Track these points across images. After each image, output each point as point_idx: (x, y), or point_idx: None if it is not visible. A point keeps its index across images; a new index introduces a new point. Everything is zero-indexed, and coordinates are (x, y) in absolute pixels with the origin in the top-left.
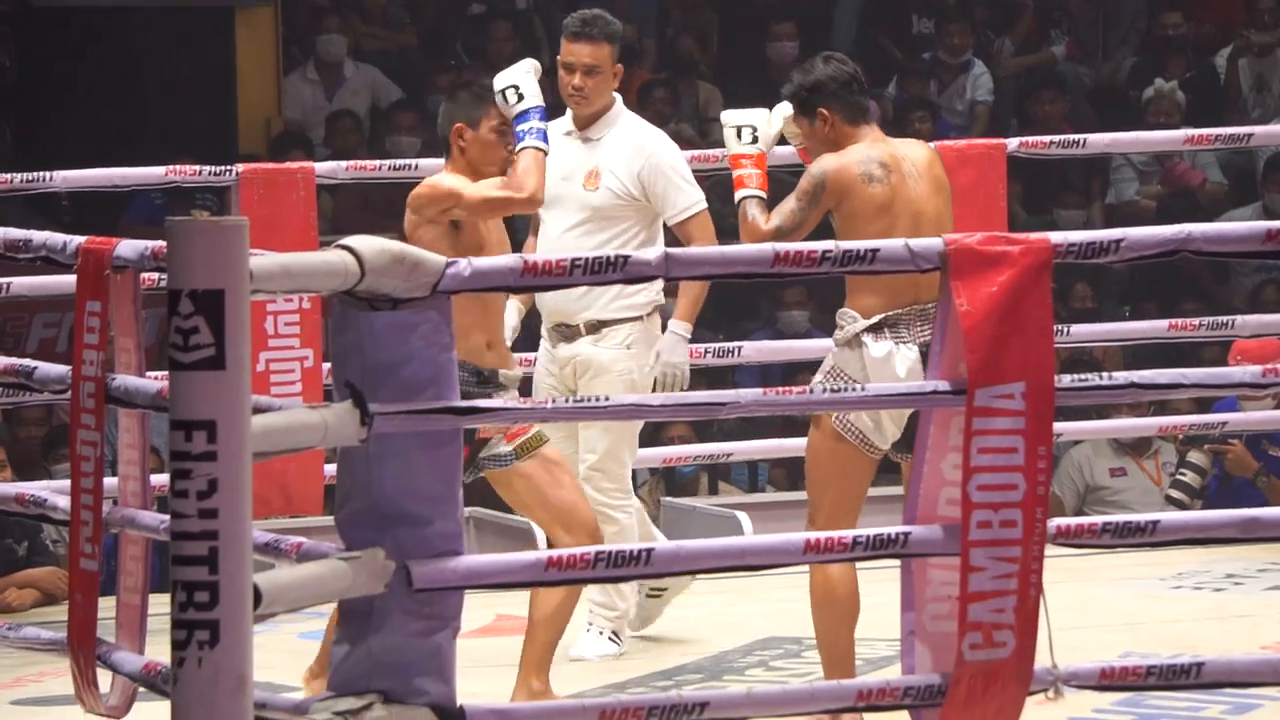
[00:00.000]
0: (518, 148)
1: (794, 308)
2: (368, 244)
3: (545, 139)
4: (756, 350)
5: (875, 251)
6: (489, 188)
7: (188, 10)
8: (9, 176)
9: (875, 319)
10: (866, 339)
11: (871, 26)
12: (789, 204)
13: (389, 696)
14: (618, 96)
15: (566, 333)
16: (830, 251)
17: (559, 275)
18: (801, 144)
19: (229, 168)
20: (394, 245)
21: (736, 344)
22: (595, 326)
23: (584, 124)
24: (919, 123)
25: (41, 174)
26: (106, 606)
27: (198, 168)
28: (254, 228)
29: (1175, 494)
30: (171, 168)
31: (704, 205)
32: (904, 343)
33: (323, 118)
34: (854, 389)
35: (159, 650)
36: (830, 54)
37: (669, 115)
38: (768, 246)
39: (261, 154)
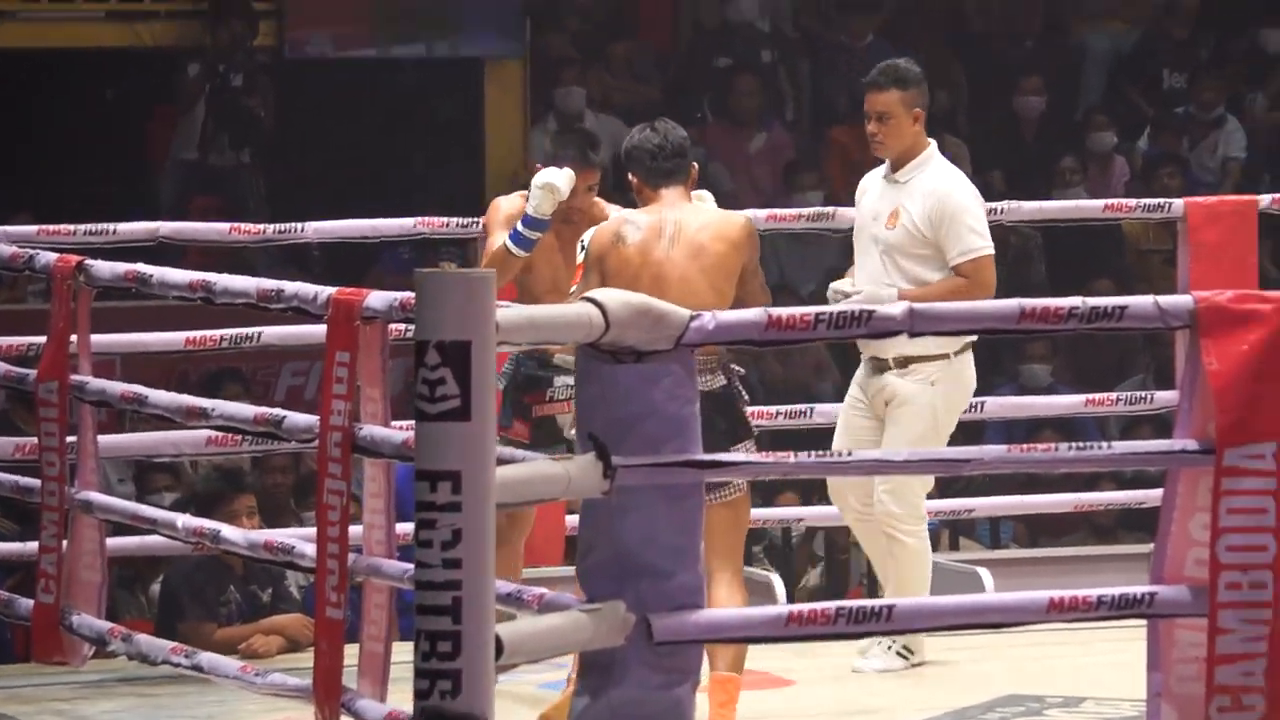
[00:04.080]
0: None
1: (1037, 361)
2: (612, 296)
3: (518, 242)
4: (1000, 406)
5: (1123, 309)
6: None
7: (439, 63)
8: (262, 227)
9: None
10: None
11: (1121, 80)
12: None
13: None
14: (931, 142)
15: (879, 365)
16: (1077, 308)
17: (803, 329)
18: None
19: (476, 220)
20: (638, 298)
21: (980, 400)
22: (904, 361)
23: (895, 168)
24: (1168, 178)
25: (294, 225)
26: (351, 654)
27: (446, 220)
28: None
29: None
30: (421, 220)
31: (985, 252)
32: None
33: None
34: (1100, 446)
35: (401, 699)
36: (649, 124)
37: None
38: (1014, 303)
39: None
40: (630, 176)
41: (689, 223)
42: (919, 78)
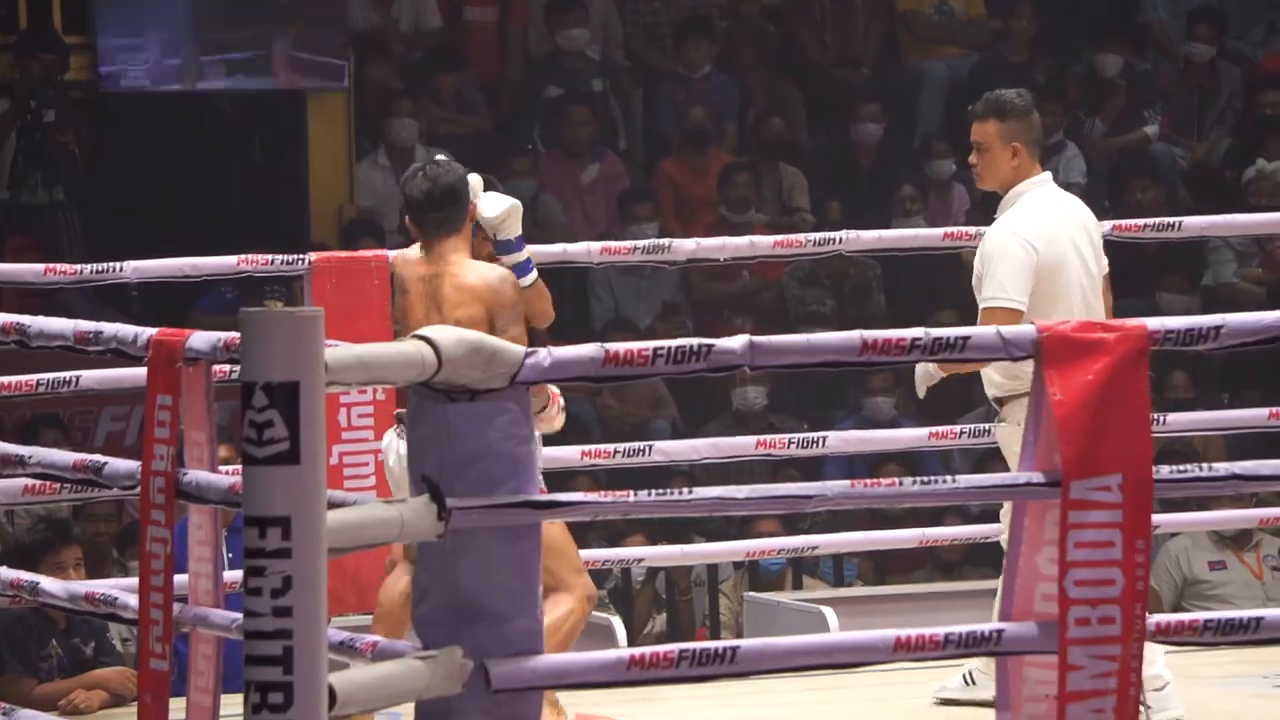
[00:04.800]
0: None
1: (880, 394)
2: (445, 334)
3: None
4: (842, 440)
5: (966, 339)
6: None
7: (260, 96)
8: (78, 267)
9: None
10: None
11: (959, 107)
12: None
13: None
14: (1034, 180)
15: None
16: (920, 339)
17: (641, 364)
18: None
19: (301, 257)
20: (471, 335)
21: (822, 434)
22: (999, 401)
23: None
24: None
25: (112, 264)
26: (176, 707)
27: (270, 257)
28: (327, 318)
29: None
30: (244, 257)
31: (1000, 303)
32: (402, 435)
33: (396, 205)
34: (944, 481)
35: None
36: (423, 166)
37: (749, 200)
38: (856, 335)
39: (333, 242)
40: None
41: (446, 280)
42: (1022, 109)
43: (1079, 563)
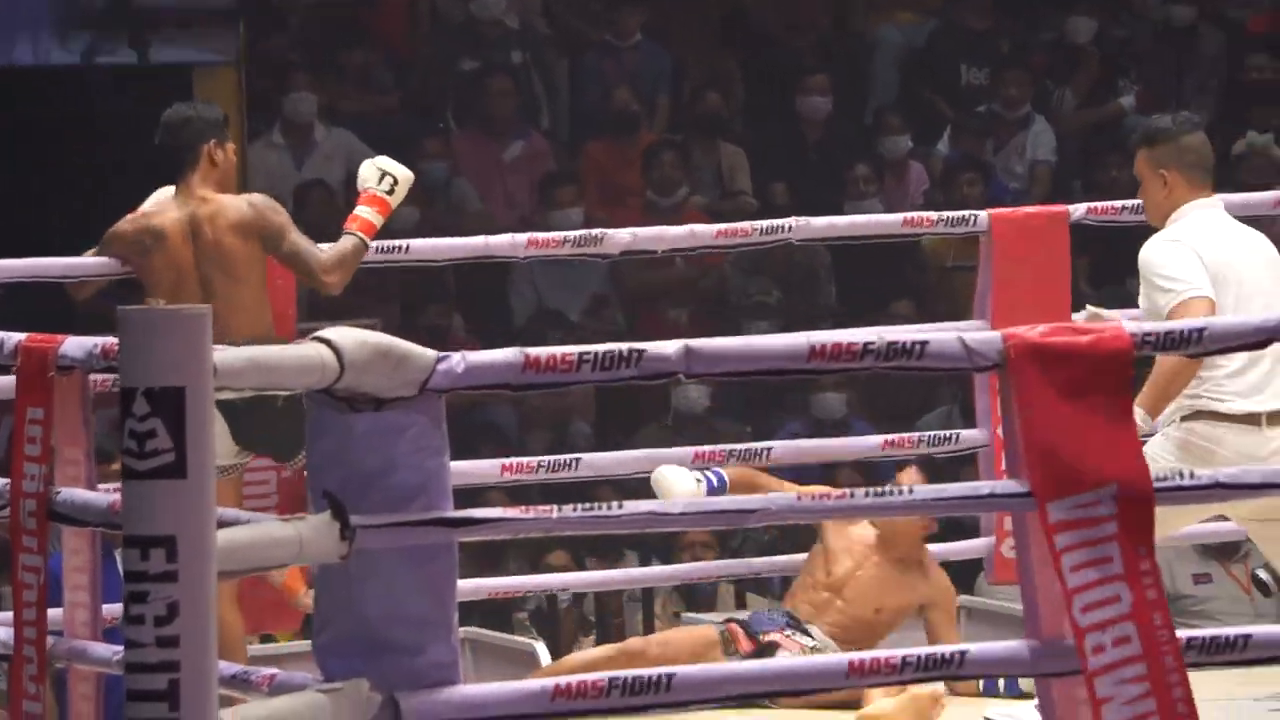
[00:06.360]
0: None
1: (830, 390)
2: (348, 336)
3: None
4: (789, 450)
5: (924, 346)
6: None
7: (140, 71)
8: None
9: None
10: None
11: (915, 78)
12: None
13: None
14: (1185, 210)
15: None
16: (873, 344)
17: (565, 371)
18: None
19: None
20: (377, 338)
21: (766, 445)
22: (1275, 417)
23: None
24: (968, 185)
25: None
26: None
27: None
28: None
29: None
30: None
31: (1180, 296)
32: None
33: (291, 188)
34: (900, 491)
35: None
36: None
37: (677, 181)
38: (803, 340)
39: None
40: None
41: (197, 219)
42: (1171, 133)
43: (1080, 587)
